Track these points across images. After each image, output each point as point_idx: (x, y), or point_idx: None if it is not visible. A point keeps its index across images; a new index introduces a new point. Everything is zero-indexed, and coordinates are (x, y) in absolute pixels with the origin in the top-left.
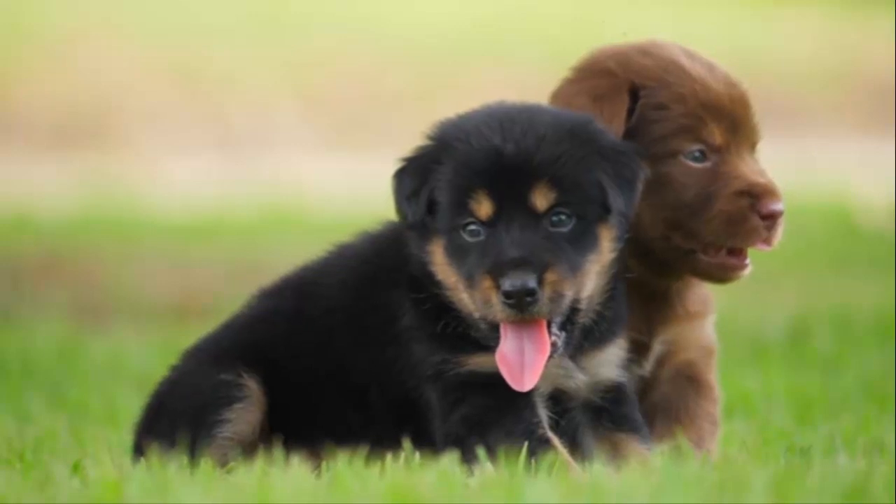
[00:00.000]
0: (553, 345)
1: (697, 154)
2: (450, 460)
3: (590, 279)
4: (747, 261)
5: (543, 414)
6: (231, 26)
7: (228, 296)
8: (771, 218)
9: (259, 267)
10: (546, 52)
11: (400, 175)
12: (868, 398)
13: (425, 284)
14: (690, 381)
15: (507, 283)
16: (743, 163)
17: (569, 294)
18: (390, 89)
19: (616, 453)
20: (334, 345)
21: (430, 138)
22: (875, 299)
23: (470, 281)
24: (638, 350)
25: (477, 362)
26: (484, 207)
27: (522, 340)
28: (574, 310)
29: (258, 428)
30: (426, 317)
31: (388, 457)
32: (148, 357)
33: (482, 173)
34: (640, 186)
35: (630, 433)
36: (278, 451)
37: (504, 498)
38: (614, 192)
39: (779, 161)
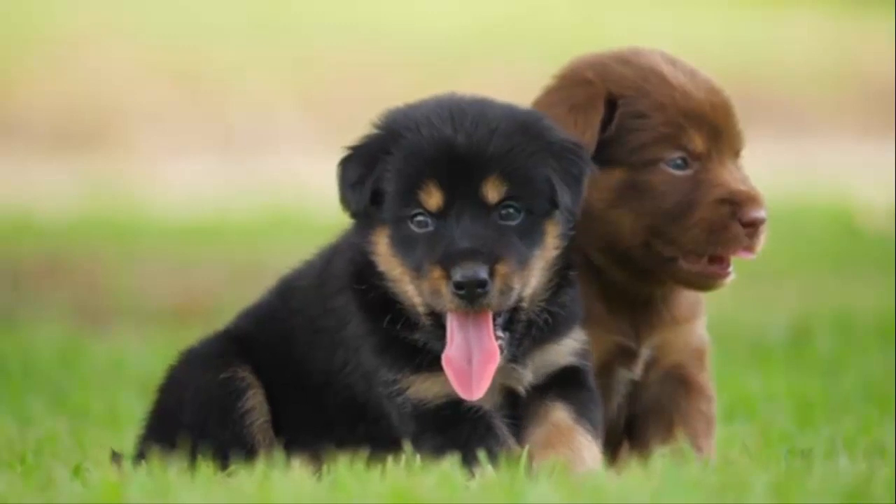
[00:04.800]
0: (499, 348)
1: (679, 162)
2: (450, 462)
3: (535, 275)
4: (730, 269)
5: (503, 426)
6: (231, 26)
7: (230, 297)
8: (752, 226)
9: (260, 268)
10: (546, 52)
11: (345, 163)
12: (869, 400)
13: (367, 276)
14: (680, 381)
15: (459, 274)
16: (725, 170)
17: (517, 288)
18: (390, 90)
19: (539, 420)
20: (297, 346)
21: (378, 127)
22: (876, 301)
23: (418, 272)
24: (627, 355)
25: (418, 390)
26: (434, 198)
27: (470, 346)
28: (517, 308)
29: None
30: (370, 318)
31: (389, 459)
32: (149, 359)
33: (432, 164)
34: (586, 183)
35: (565, 404)
36: (279, 454)
37: (505, 499)
38: (562, 188)
39: (780, 163)
